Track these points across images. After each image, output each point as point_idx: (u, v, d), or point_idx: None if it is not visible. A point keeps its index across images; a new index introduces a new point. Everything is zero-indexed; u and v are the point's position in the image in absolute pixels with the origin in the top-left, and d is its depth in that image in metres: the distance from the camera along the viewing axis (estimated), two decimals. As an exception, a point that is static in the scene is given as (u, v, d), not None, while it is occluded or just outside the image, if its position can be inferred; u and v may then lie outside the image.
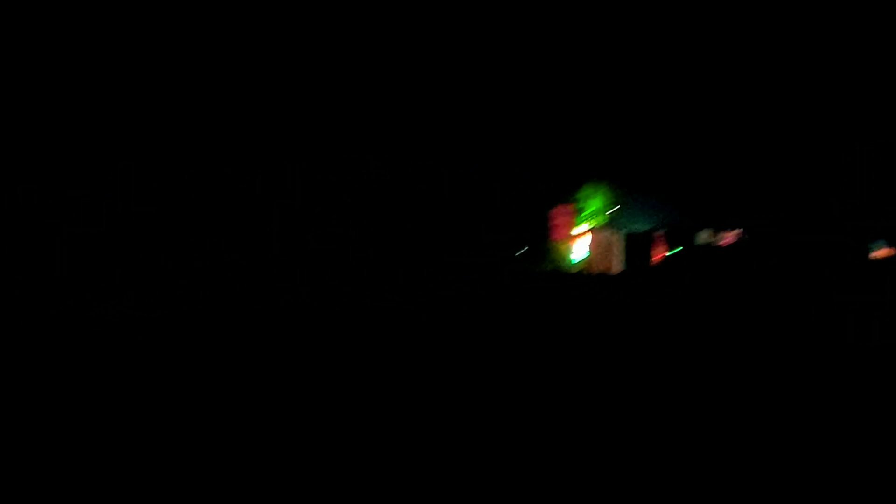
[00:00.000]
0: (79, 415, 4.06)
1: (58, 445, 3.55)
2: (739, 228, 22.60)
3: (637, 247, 21.06)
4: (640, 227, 23.37)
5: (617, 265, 21.46)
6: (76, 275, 9.95)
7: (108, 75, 16.94)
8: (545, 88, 23.09)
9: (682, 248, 22.94)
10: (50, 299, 8.03)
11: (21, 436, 3.69)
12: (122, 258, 11.82)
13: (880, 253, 23.79)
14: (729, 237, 22.75)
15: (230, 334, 6.48)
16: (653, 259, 22.82)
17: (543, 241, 22.27)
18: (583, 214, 23.49)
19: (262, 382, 4.81)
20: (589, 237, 22.02)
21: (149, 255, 12.32)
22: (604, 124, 25.08)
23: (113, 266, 10.96)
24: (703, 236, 23.54)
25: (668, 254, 23.34)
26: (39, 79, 15.94)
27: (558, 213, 22.50)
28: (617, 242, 21.34)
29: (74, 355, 5.55)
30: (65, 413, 4.08)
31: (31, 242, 12.29)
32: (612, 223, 23.85)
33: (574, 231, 22.49)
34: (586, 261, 22.35)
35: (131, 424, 3.92)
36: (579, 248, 22.50)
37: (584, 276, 20.40)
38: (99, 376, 4.88)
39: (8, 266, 10.50)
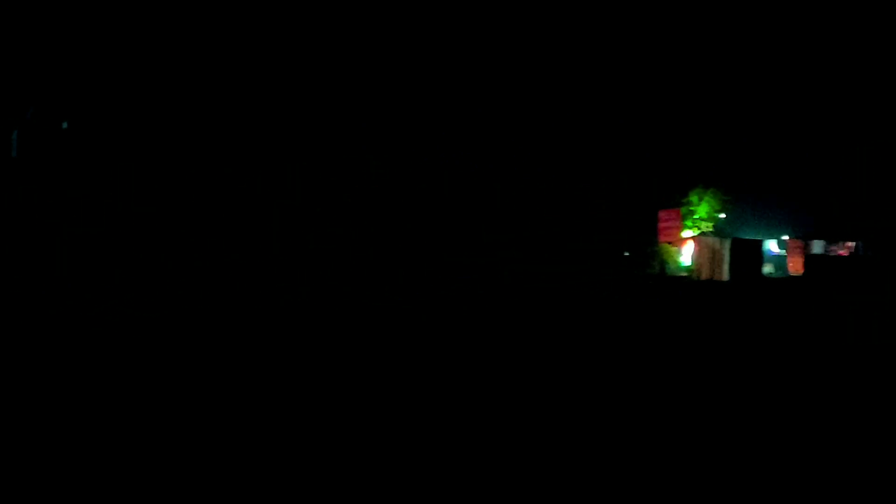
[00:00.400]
0: (78, 415, 4.01)
1: (58, 445, 3.52)
2: (854, 241, 21.81)
3: (743, 254, 20.59)
4: (748, 234, 22.92)
5: (723, 272, 21.16)
6: (76, 275, 9.93)
7: (108, 76, 17.07)
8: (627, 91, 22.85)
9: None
10: (50, 299, 8.04)
11: (21, 436, 3.64)
12: (122, 258, 11.76)
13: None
14: (844, 249, 22.06)
15: (230, 334, 6.55)
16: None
17: (650, 244, 22.22)
18: (690, 220, 23.37)
19: (263, 381, 4.85)
20: (693, 243, 21.83)
21: (149, 255, 12.27)
22: (714, 130, 24.82)
23: (113, 266, 10.94)
24: (823, 247, 22.94)
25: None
26: (40, 79, 16.02)
27: (666, 217, 22.40)
28: (723, 249, 21.02)
29: (74, 355, 5.55)
30: (65, 413, 4.04)
31: (31, 242, 12.27)
32: (719, 230, 23.61)
33: (682, 235, 22.38)
34: (692, 267, 22.18)
35: (131, 424, 3.87)
36: (686, 253, 22.38)
37: (690, 281, 20.29)
38: (99, 376, 4.91)
39: (8, 266, 10.50)
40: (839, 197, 24.20)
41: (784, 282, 21.34)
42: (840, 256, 22.16)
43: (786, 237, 24.11)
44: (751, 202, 25.24)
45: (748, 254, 20.93)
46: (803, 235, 23.11)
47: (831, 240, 22.55)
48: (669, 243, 21.96)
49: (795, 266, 22.13)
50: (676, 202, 22.68)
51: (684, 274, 21.47)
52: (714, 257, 21.08)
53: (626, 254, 21.90)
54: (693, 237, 22.37)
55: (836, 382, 5.41)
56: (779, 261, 23.57)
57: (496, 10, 21.92)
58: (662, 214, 22.24)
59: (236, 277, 10.22)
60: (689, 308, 11.69)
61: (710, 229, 22.97)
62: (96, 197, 15.05)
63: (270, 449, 3.48)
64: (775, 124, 26.58)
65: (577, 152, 22.08)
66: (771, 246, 23.45)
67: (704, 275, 21.19)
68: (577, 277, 15.60)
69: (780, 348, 6.97)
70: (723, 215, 24.73)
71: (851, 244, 22.23)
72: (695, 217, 22.87)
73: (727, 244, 21.14)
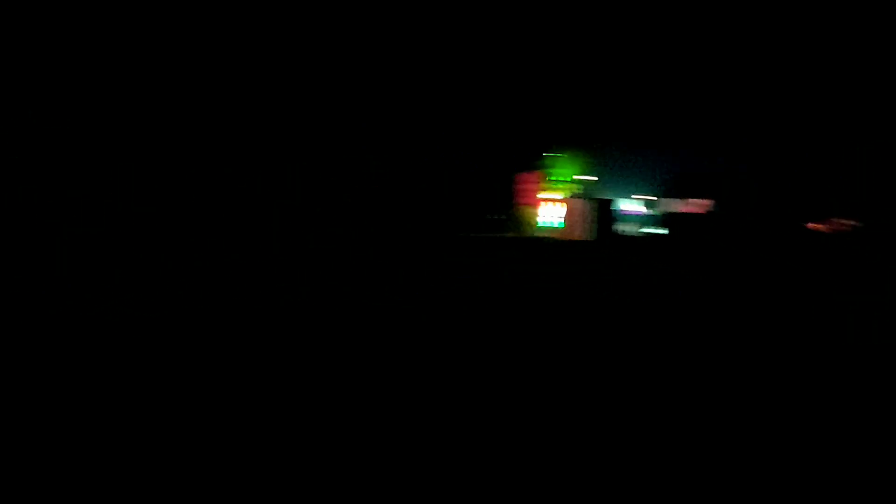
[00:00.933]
0: (78, 415, 4.02)
1: (57, 445, 3.53)
2: (710, 199, 22.94)
3: (607, 215, 21.20)
4: (612, 195, 23.56)
5: (587, 233, 21.56)
6: (76, 275, 9.87)
7: (108, 76, 17.02)
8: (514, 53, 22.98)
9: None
10: (50, 299, 8.02)
11: (21, 436, 3.68)
12: (121, 258, 11.61)
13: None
14: (698, 207, 23.07)
15: (230, 334, 6.47)
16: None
17: (515, 207, 22.23)
18: (554, 182, 23.49)
19: (262, 382, 4.77)
20: (561, 205, 22.05)
21: (148, 255, 12.18)
22: (577, 92, 25.03)
23: (113, 266, 10.81)
24: (677, 205, 23.88)
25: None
26: (39, 79, 15.97)
27: (525, 180, 22.44)
28: (588, 211, 21.41)
29: (74, 355, 5.49)
30: (64, 413, 4.05)
31: (31, 242, 12.31)
32: (585, 191, 23.98)
33: (545, 197, 22.48)
34: (558, 228, 22.40)
35: (131, 424, 3.88)
36: (551, 215, 22.51)
37: (555, 243, 20.38)
38: (98, 376, 4.86)
39: (8, 266, 10.47)
40: (698, 156, 25.15)
41: (646, 239, 22.43)
42: (695, 213, 23.08)
43: (652, 196, 25.00)
44: (616, 163, 25.78)
45: (610, 213, 21.59)
46: (663, 193, 23.92)
47: (687, 197, 23.42)
48: (528, 205, 22.02)
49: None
50: (535, 165, 22.71)
51: (545, 234, 21.61)
52: (576, 217, 21.43)
53: (492, 217, 21.85)
54: (559, 199, 22.51)
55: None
56: (641, 219, 24.42)
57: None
58: (521, 177, 22.25)
59: (236, 277, 10.26)
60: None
61: (578, 191, 23.17)
62: (96, 197, 15.33)
63: (270, 449, 3.50)
64: (637, 84, 27.11)
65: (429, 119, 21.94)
66: (629, 206, 24.26)
67: (576, 235, 21.55)
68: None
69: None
70: (591, 177, 25.06)
71: (707, 201, 23.18)
72: (558, 179, 22.97)
73: (592, 205, 21.57)
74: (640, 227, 24.81)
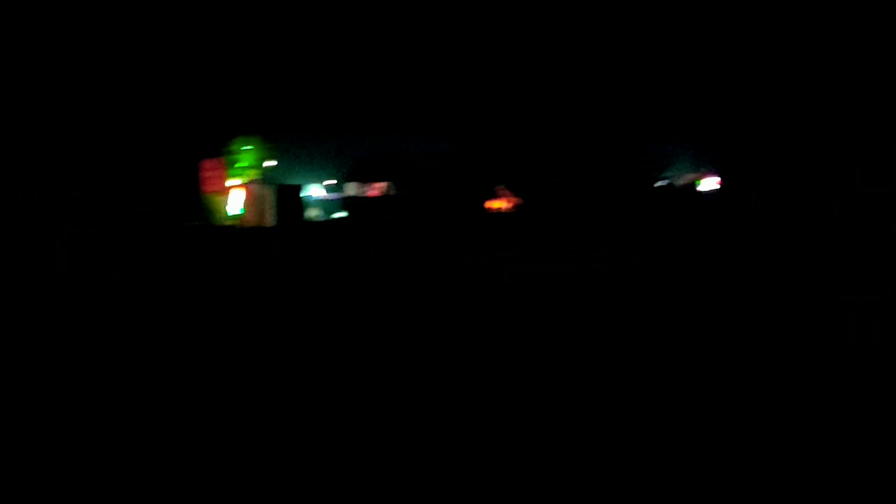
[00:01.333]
0: (78, 415, 4.06)
1: (57, 445, 3.56)
2: (384, 182, 24.72)
3: (289, 200, 21.60)
4: (293, 181, 23.96)
5: (269, 218, 21.71)
6: (76, 275, 9.92)
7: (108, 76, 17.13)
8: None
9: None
10: (50, 299, 8.06)
11: (21, 436, 3.71)
12: (122, 258, 11.80)
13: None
14: (375, 189, 24.70)
15: (229, 334, 6.44)
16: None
17: (197, 194, 21.50)
18: (235, 168, 23.16)
19: (262, 383, 4.72)
20: (242, 191, 21.82)
21: (148, 255, 12.34)
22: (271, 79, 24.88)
23: (113, 266, 10.90)
24: (357, 189, 25.16)
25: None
26: (39, 80, 15.94)
27: (210, 167, 21.85)
28: (269, 196, 21.53)
29: (74, 355, 5.51)
30: (64, 413, 4.10)
31: (31, 242, 12.61)
32: (265, 177, 24.00)
33: (227, 184, 22.08)
34: (242, 215, 22.18)
35: (131, 424, 3.89)
36: (233, 202, 22.19)
37: (238, 229, 20.22)
38: (98, 376, 4.90)
39: (8, 266, 10.60)
40: (377, 141, 26.59)
41: (330, 223, 23.41)
42: (371, 196, 24.62)
43: (332, 181, 25.97)
44: (296, 150, 26.16)
45: (293, 199, 22.00)
46: (344, 178, 25.06)
47: (364, 181, 24.81)
48: (215, 193, 21.52)
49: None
50: (220, 151, 22.21)
51: (233, 223, 21.32)
52: (261, 204, 21.46)
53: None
54: (241, 185, 22.27)
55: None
56: (325, 205, 25.30)
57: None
58: (205, 164, 21.64)
59: (235, 277, 10.11)
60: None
61: (258, 177, 23.09)
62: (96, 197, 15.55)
63: (269, 449, 3.44)
64: (314, 70, 27.65)
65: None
66: (316, 191, 25.03)
67: (253, 221, 21.49)
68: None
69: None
70: (272, 163, 25.09)
71: (382, 184, 24.81)
72: (241, 165, 22.70)
73: (272, 190, 21.75)
74: (329, 213, 25.66)
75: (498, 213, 24.92)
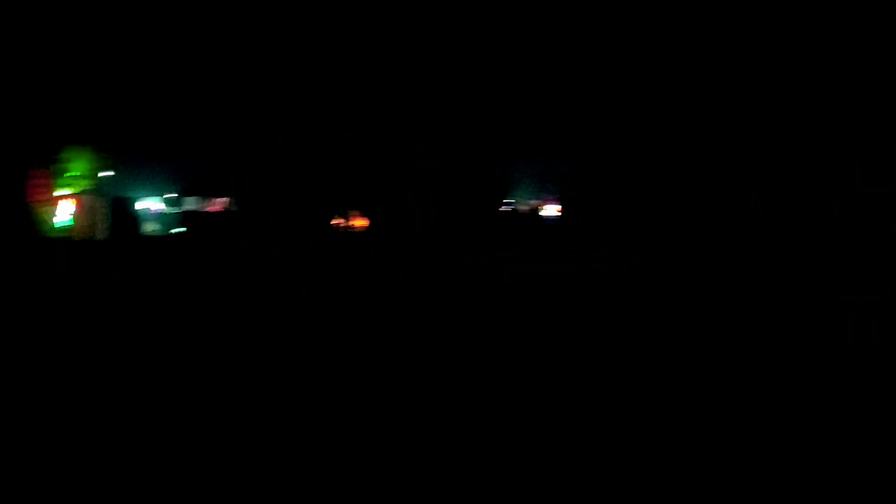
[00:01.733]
0: (78, 415, 4.08)
1: (57, 446, 3.58)
2: (226, 197, 24.67)
3: (123, 212, 21.09)
4: (127, 192, 23.29)
5: (101, 231, 21.06)
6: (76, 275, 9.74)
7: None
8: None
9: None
10: (50, 299, 8.10)
11: (20, 436, 3.73)
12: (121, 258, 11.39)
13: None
14: (216, 204, 24.62)
15: (228, 334, 6.47)
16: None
17: (25, 204, 20.43)
18: (65, 177, 22.23)
19: (261, 383, 4.77)
20: (72, 202, 20.97)
21: (148, 255, 11.80)
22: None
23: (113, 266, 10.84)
24: (196, 203, 24.90)
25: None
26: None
27: (37, 175, 20.87)
28: (101, 208, 20.90)
29: (74, 355, 5.59)
30: (64, 413, 4.10)
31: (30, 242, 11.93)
32: (98, 188, 23.15)
33: (56, 194, 21.17)
34: (70, 226, 21.30)
35: (130, 425, 3.93)
36: (61, 213, 21.29)
37: (69, 242, 19.55)
38: (98, 376, 4.97)
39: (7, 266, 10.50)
40: (218, 154, 26.42)
41: (167, 238, 22.92)
42: (214, 211, 24.56)
43: (172, 195, 25.45)
44: (136, 161, 25.50)
45: (127, 211, 21.50)
46: (183, 193, 24.76)
47: (205, 196, 24.71)
48: (43, 203, 20.58)
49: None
50: (48, 159, 21.30)
51: (62, 234, 20.48)
52: (92, 216, 20.75)
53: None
54: (71, 195, 21.42)
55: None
56: (165, 218, 24.76)
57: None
58: (35, 173, 20.66)
59: (235, 277, 10.21)
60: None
61: (90, 187, 22.30)
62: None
63: (269, 449, 3.40)
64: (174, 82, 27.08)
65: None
66: (154, 205, 24.44)
67: (84, 234, 20.70)
68: None
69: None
70: (107, 173, 24.27)
71: (224, 199, 24.81)
72: (72, 175, 21.87)
73: (106, 202, 21.09)
74: (167, 228, 25.14)
75: (346, 231, 25.57)
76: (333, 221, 25.82)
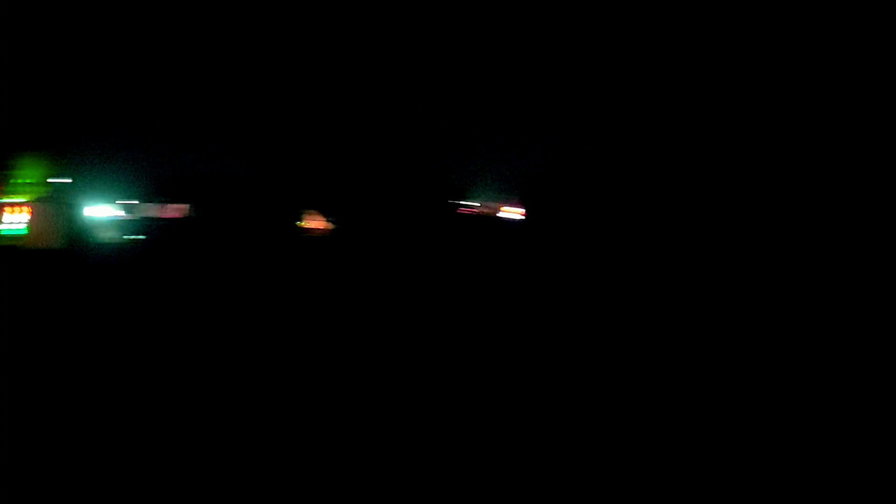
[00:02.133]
0: (78, 415, 4.05)
1: (57, 446, 3.57)
2: (184, 204, 24.38)
3: (78, 220, 20.72)
4: (83, 199, 22.90)
5: (55, 239, 20.63)
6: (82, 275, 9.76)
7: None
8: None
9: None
10: (50, 299, 8.16)
11: (20, 436, 3.70)
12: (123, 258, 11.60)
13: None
14: (175, 211, 24.27)
15: (227, 334, 6.49)
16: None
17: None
18: (21, 184, 21.77)
19: (260, 383, 4.77)
20: (24, 209, 20.54)
21: (147, 255, 11.88)
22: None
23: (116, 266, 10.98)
24: (155, 210, 24.52)
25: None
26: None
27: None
28: (56, 215, 20.48)
29: (74, 355, 5.61)
30: (64, 414, 4.07)
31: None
32: (56, 196, 22.69)
33: (6, 201, 20.71)
34: (25, 235, 20.85)
35: (130, 425, 3.93)
36: (15, 221, 20.83)
37: (23, 251, 19.13)
38: (98, 376, 4.91)
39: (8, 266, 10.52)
40: (177, 160, 26.08)
41: (124, 245, 22.60)
42: (173, 217, 24.20)
43: (130, 201, 25.03)
44: (92, 167, 25.05)
45: (82, 218, 21.09)
46: (142, 199, 24.35)
47: (164, 202, 24.34)
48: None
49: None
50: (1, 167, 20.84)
51: (11, 242, 20.04)
52: (46, 223, 20.33)
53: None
54: (23, 203, 20.98)
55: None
56: (120, 225, 24.34)
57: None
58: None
59: (234, 277, 10.07)
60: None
61: (45, 194, 21.87)
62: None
63: (268, 449, 3.40)
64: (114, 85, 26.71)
65: None
66: (111, 211, 24.00)
67: (41, 242, 20.26)
68: None
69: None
70: (63, 180, 23.83)
71: (182, 205, 24.45)
72: (25, 181, 21.42)
73: (61, 209, 20.67)
74: (124, 235, 24.75)
75: (310, 236, 25.44)
76: (296, 224, 25.71)
